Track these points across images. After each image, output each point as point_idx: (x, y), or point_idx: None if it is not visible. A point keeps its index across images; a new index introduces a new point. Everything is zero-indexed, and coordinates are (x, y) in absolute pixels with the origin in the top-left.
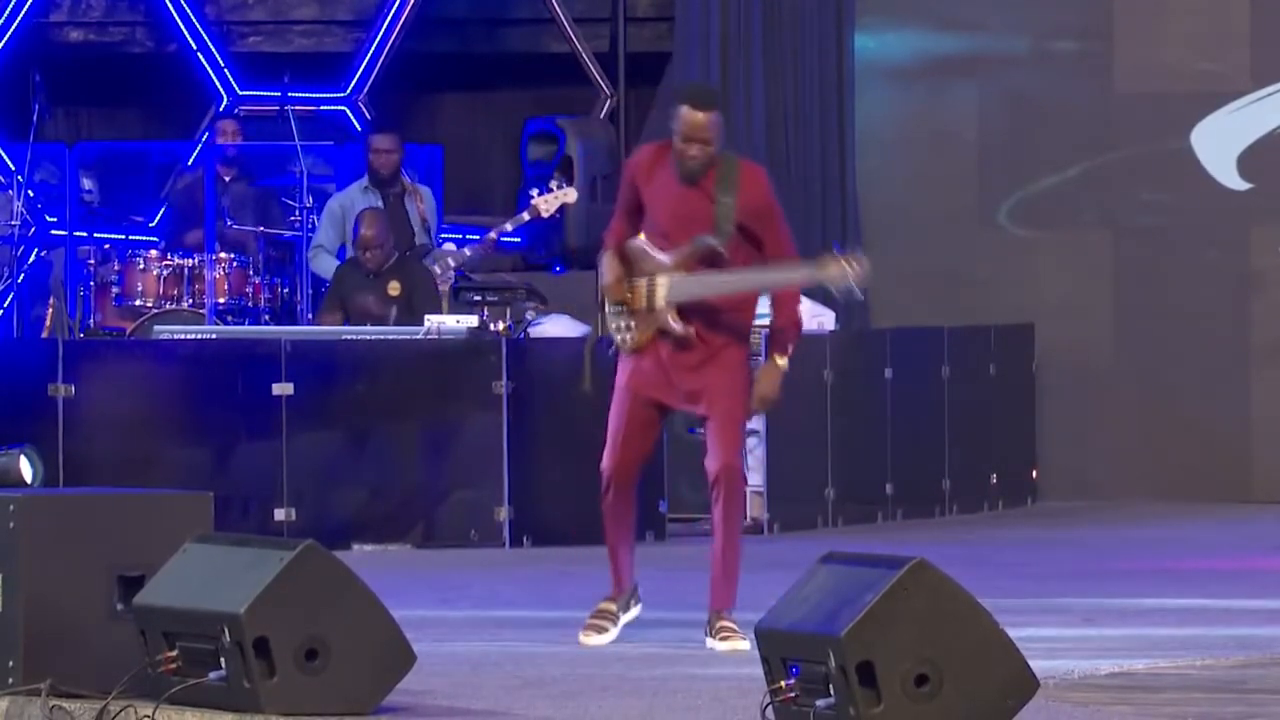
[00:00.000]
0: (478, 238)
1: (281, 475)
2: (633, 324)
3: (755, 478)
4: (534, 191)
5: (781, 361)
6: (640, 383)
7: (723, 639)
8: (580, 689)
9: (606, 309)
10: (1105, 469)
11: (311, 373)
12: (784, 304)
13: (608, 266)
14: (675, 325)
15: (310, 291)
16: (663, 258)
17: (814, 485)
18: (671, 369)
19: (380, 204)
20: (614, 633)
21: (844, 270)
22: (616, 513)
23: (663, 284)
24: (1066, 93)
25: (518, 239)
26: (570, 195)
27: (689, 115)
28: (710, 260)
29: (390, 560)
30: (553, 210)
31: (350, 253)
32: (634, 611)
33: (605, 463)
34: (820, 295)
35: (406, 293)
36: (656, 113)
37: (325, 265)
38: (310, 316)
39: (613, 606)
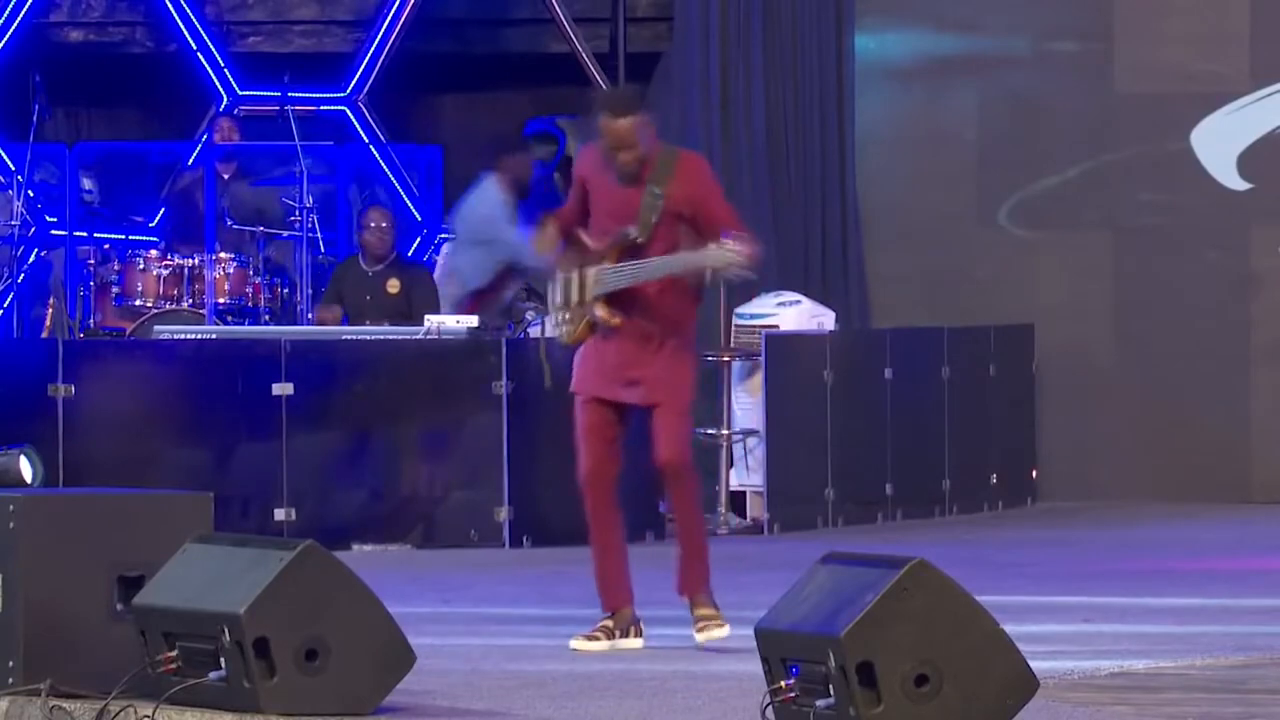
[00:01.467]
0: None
1: (281, 475)
2: (567, 315)
3: (755, 478)
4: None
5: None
6: (586, 385)
7: (700, 629)
8: (580, 689)
9: (550, 297)
10: (1105, 469)
11: (311, 373)
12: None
13: (546, 234)
14: (601, 314)
15: (310, 292)
16: (592, 246)
17: (814, 485)
18: (611, 362)
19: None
20: (606, 646)
21: (723, 255)
22: (599, 519)
23: (590, 276)
24: (1066, 93)
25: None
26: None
27: (608, 124)
28: (634, 251)
29: (390, 560)
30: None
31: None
32: (634, 641)
33: (579, 469)
34: (818, 295)
35: (405, 291)
36: (651, 108)
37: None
38: (310, 317)
39: (610, 624)
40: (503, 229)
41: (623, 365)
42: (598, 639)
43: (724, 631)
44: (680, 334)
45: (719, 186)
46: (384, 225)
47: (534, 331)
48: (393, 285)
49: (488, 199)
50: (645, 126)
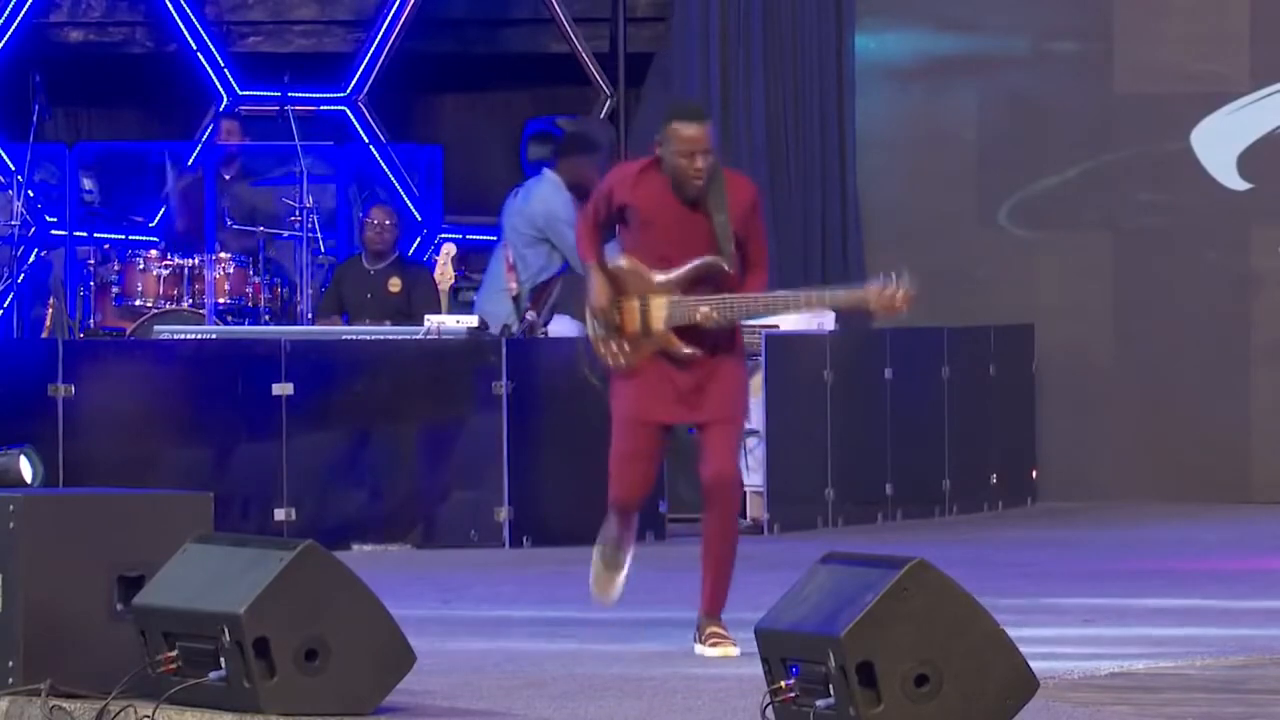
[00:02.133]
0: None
1: (281, 475)
2: (626, 346)
3: (755, 478)
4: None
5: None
6: (641, 408)
7: (713, 644)
8: (580, 689)
9: (593, 328)
10: (1105, 469)
11: (311, 373)
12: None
13: (599, 287)
14: (679, 349)
15: (310, 291)
16: (660, 278)
17: (814, 485)
18: (668, 381)
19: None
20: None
21: (886, 300)
22: (622, 532)
23: (660, 306)
24: (1066, 93)
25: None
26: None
27: (685, 130)
28: (709, 279)
29: (390, 560)
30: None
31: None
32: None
33: (614, 493)
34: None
35: (406, 290)
36: (644, 110)
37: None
38: (310, 317)
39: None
40: (563, 231)
41: (686, 386)
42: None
43: (735, 651)
44: (738, 354)
45: (761, 208)
46: (386, 223)
47: (553, 329)
48: (394, 284)
49: (551, 195)
50: (712, 137)
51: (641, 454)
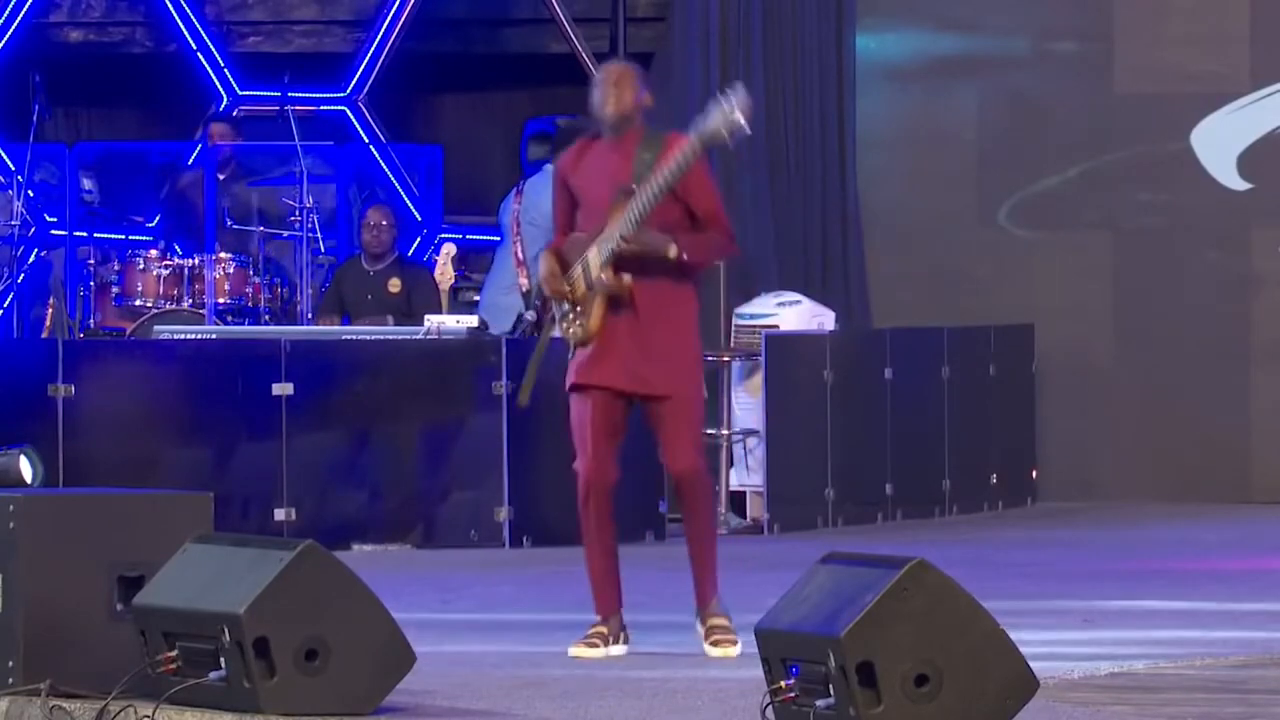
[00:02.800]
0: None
1: (281, 475)
2: (579, 309)
3: (755, 478)
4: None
5: (670, 250)
6: (588, 374)
7: (714, 644)
8: (580, 689)
9: (553, 312)
10: (1105, 469)
11: (311, 373)
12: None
13: (546, 270)
14: (610, 279)
15: (310, 291)
16: (587, 236)
17: (814, 485)
18: (619, 350)
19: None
20: (603, 653)
21: (725, 117)
22: (600, 519)
23: (593, 254)
24: (1066, 93)
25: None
26: None
27: (605, 72)
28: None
29: (390, 560)
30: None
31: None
32: (621, 648)
33: (580, 465)
34: (818, 295)
35: (406, 290)
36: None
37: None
38: (310, 317)
39: (605, 630)
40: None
41: (633, 354)
42: (595, 645)
43: (735, 650)
44: (687, 298)
45: (705, 166)
46: (383, 224)
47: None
48: (393, 285)
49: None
50: (641, 81)
51: (595, 423)
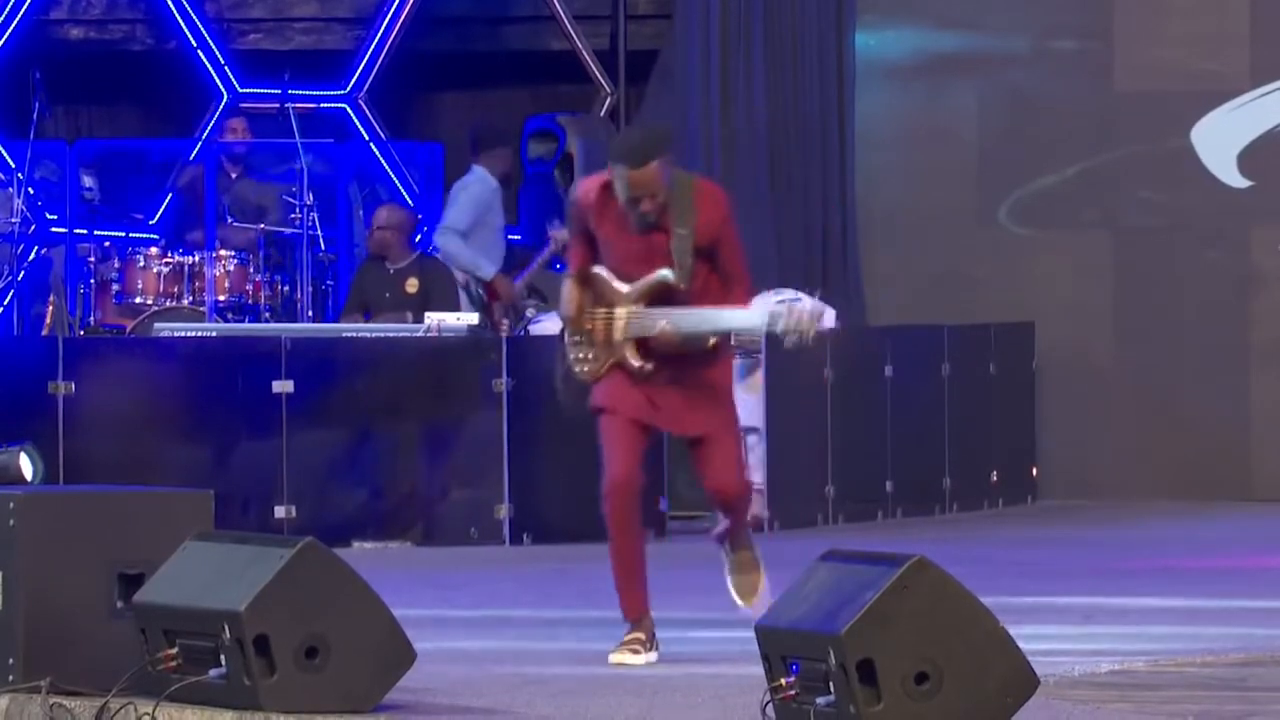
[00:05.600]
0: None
1: (282, 473)
2: (591, 355)
3: (756, 476)
4: (554, 223)
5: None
6: (619, 404)
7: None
8: (580, 687)
9: (566, 336)
10: (1105, 468)
11: (312, 370)
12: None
13: (569, 295)
14: (633, 361)
15: (310, 289)
16: (622, 288)
17: (814, 483)
18: (647, 388)
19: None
20: (645, 659)
21: (797, 326)
22: (629, 528)
23: (620, 317)
24: (1066, 93)
25: (518, 236)
26: None
27: (628, 175)
28: (669, 294)
29: (390, 558)
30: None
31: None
32: (655, 654)
33: (609, 475)
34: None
35: (424, 290)
36: (645, 109)
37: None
38: (310, 314)
39: (641, 635)
40: (497, 216)
41: (662, 391)
42: (638, 651)
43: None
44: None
45: (734, 220)
46: (384, 226)
47: (535, 329)
48: (411, 284)
49: (487, 187)
50: (666, 167)
51: (622, 439)
